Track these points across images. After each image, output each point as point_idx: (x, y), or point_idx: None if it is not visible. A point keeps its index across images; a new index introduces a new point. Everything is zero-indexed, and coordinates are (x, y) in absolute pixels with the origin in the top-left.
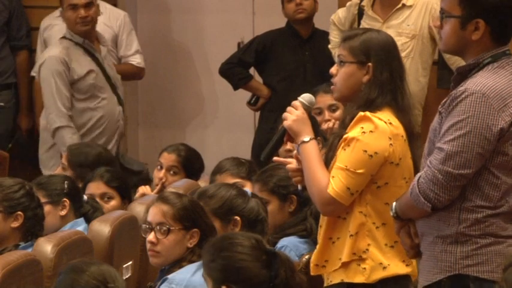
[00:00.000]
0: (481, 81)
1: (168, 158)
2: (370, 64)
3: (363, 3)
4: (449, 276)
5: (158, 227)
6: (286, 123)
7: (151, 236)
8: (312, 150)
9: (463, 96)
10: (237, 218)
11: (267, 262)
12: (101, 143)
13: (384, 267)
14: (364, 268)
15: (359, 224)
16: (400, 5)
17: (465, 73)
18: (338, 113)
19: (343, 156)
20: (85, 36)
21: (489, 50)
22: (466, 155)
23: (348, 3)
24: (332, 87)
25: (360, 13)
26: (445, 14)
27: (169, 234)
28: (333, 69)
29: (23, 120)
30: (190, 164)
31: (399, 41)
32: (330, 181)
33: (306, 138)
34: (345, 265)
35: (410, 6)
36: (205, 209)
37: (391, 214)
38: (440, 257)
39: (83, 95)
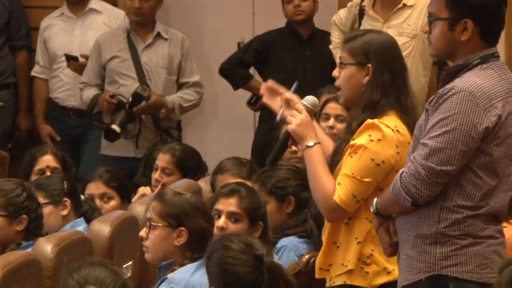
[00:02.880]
0: (469, 80)
1: (162, 159)
2: (369, 65)
3: (363, 3)
4: (428, 276)
5: (147, 223)
6: (290, 128)
7: (142, 231)
8: (316, 155)
9: (450, 93)
10: (261, 224)
11: (254, 267)
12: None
13: (389, 272)
14: (367, 272)
15: (367, 230)
16: (400, 5)
17: (453, 73)
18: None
19: (350, 164)
20: (137, 25)
21: (478, 51)
22: (449, 152)
23: (349, 4)
24: (338, 93)
25: (361, 13)
26: (433, 18)
27: (154, 230)
28: (335, 72)
29: (22, 120)
30: (185, 163)
31: (400, 41)
32: (336, 188)
33: (311, 143)
34: (350, 271)
35: (411, 6)
36: (241, 205)
37: (372, 210)
38: (420, 258)
39: (108, 79)
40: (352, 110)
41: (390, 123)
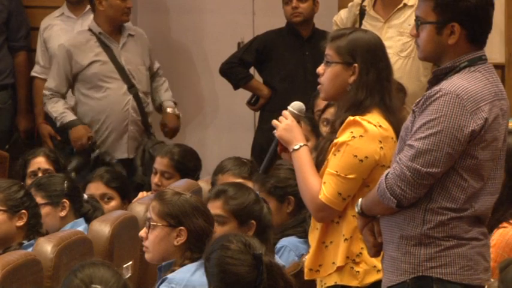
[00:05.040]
0: (456, 83)
1: (160, 163)
2: (356, 65)
3: (364, 3)
4: (412, 277)
5: (147, 223)
6: (276, 133)
7: (142, 231)
8: (303, 157)
9: (437, 95)
10: (254, 222)
11: (254, 267)
12: (107, 130)
13: (378, 270)
14: (358, 271)
15: (353, 228)
16: (401, 5)
17: (441, 76)
18: None
19: (334, 162)
20: (114, 27)
21: (466, 54)
22: (435, 154)
23: (350, 4)
24: (319, 86)
25: (362, 13)
26: (420, 21)
27: (154, 230)
28: (320, 69)
29: (21, 121)
30: (183, 166)
31: (400, 41)
32: (322, 187)
33: (297, 146)
34: (339, 268)
35: (412, 6)
36: (225, 207)
37: (356, 210)
38: (404, 259)
39: (88, 85)
40: (336, 110)
41: (372, 120)
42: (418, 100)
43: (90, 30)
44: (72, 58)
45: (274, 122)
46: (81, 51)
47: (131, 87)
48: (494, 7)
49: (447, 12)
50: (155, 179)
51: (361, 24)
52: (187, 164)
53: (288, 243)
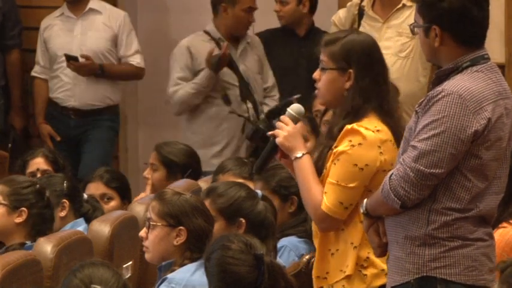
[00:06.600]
0: (459, 83)
1: (151, 155)
2: (351, 70)
3: (363, 3)
4: (416, 278)
5: (146, 223)
6: (278, 141)
7: (142, 231)
8: (305, 166)
9: (440, 96)
10: (243, 220)
11: (254, 266)
12: (227, 137)
13: (387, 274)
14: (365, 275)
15: (362, 234)
16: (400, 5)
17: (443, 77)
18: None
19: (334, 171)
20: (233, 35)
21: (463, 54)
22: (439, 155)
23: (349, 4)
24: (316, 91)
25: (361, 13)
26: (413, 24)
27: (154, 230)
28: (316, 75)
29: (15, 119)
30: (168, 160)
31: (399, 41)
32: (323, 197)
33: (299, 154)
34: (348, 275)
35: (411, 6)
36: (212, 206)
37: (361, 211)
38: (408, 259)
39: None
40: (333, 116)
41: (370, 125)
42: (421, 100)
43: (207, 33)
44: (192, 57)
45: (278, 125)
46: (200, 53)
47: (250, 95)
48: (483, 5)
49: (426, 16)
50: (145, 172)
51: (359, 24)
52: (172, 159)
53: (288, 243)
